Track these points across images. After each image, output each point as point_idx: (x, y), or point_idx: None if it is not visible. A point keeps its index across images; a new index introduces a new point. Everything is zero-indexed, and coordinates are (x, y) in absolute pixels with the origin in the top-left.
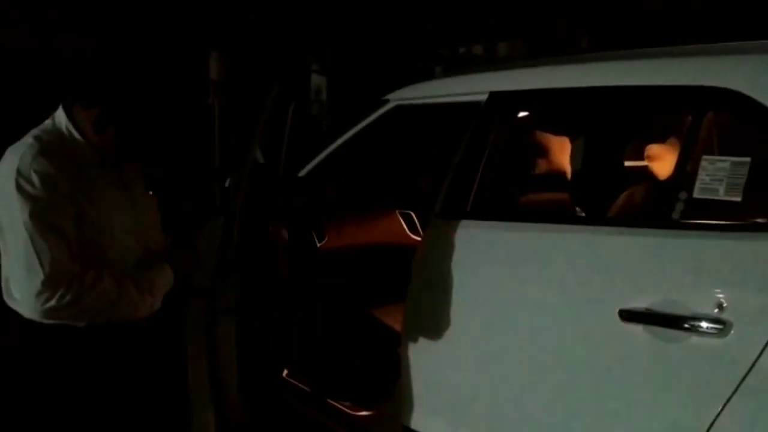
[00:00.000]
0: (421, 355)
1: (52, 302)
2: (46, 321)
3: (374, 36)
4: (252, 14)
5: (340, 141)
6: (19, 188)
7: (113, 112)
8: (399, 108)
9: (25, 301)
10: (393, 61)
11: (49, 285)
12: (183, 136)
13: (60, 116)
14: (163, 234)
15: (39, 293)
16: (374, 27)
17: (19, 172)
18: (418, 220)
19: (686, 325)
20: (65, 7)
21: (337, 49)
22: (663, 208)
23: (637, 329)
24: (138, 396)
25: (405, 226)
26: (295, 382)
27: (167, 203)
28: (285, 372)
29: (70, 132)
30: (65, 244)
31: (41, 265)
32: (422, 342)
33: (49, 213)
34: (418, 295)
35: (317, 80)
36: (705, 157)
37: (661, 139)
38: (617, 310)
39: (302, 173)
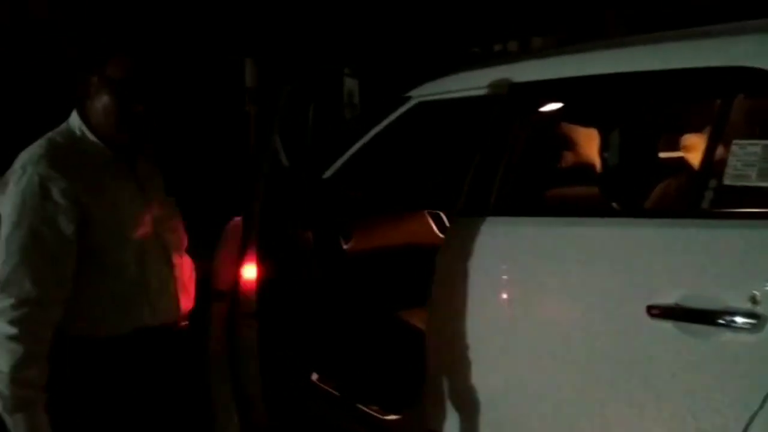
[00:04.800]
0: (444, 356)
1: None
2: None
3: (406, 37)
4: (286, 21)
5: (363, 141)
6: (17, 188)
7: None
8: (421, 104)
9: None
10: (426, 62)
11: (1, 291)
12: (219, 142)
13: (73, 118)
14: (185, 238)
15: None
16: (406, 28)
17: (22, 171)
18: (448, 221)
19: (719, 321)
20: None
21: (369, 51)
22: (691, 197)
23: (666, 326)
24: (161, 401)
25: (434, 227)
26: (325, 387)
27: (190, 207)
28: (315, 377)
29: (83, 132)
30: (42, 257)
31: (2, 269)
32: (445, 343)
33: (37, 219)
34: (441, 295)
35: (350, 84)
36: (735, 141)
37: (693, 128)
38: (645, 306)
39: (327, 175)
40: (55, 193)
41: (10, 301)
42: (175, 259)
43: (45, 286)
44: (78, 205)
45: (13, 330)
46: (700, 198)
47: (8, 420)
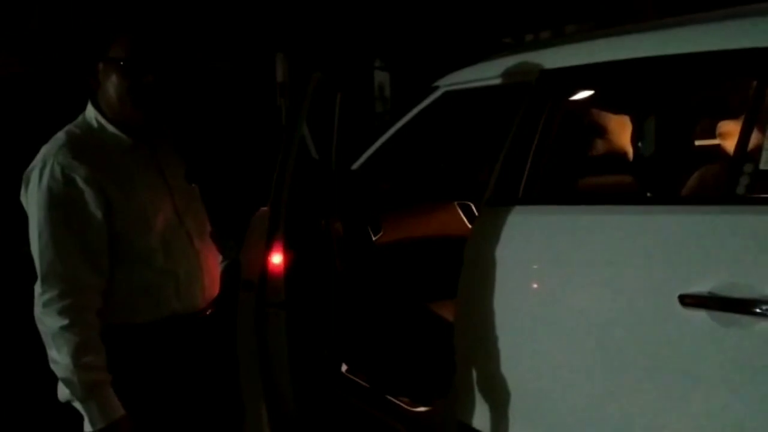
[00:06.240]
0: (473, 347)
1: (44, 299)
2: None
3: (437, 30)
4: (316, 16)
5: (391, 131)
6: (40, 181)
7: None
8: (449, 94)
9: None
10: (456, 54)
11: (42, 284)
12: (251, 135)
13: (89, 110)
14: (208, 225)
15: (39, 294)
16: (437, 20)
17: (43, 164)
18: (477, 211)
19: (755, 310)
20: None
21: (399, 44)
22: (726, 183)
23: (700, 315)
24: (193, 388)
25: (464, 218)
26: (354, 378)
27: (213, 197)
28: (345, 368)
29: (100, 123)
30: (76, 245)
31: (41, 262)
32: (475, 334)
33: (65, 208)
34: (470, 285)
35: (380, 77)
36: None
37: (729, 113)
38: (677, 295)
39: (355, 166)
40: (79, 181)
41: (54, 293)
42: (199, 246)
43: (84, 273)
44: (102, 193)
45: (64, 320)
46: (736, 184)
47: (80, 407)
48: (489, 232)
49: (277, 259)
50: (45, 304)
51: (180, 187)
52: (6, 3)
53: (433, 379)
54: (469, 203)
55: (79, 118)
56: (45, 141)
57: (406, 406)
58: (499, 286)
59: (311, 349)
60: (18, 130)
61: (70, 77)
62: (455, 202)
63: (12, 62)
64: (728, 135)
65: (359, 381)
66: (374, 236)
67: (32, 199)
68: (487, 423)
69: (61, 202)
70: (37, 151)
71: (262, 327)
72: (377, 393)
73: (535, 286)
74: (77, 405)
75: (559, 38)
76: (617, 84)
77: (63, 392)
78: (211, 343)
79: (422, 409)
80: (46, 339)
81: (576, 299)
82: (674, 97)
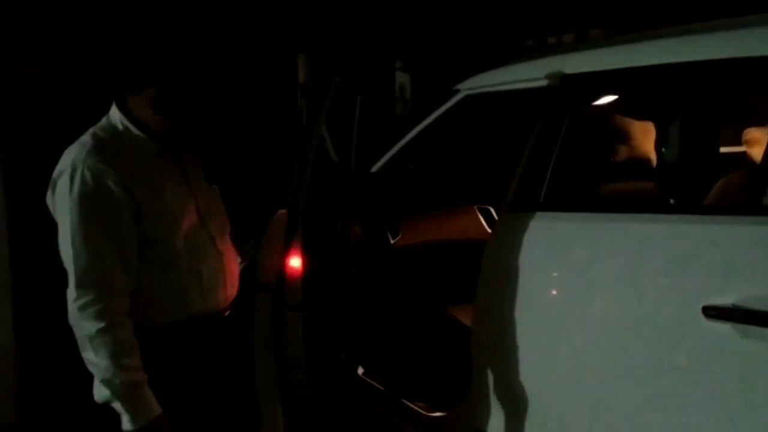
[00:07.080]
0: (490, 354)
1: (80, 303)
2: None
3: (459, 31)
4: (338, 16)
5: (411, 134)
6: (71, 186)
7: (168, 89)
8: (470, 97)
9: (68, 305)
10: (479, 56)
11: (77, 288)
12: (272, 136)
13: (114, 113)
14: (228, 226)
15: (74, 298)
16: (459, 22)
17: (73, 168)
18: (497, 215)
19: None
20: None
21: (420, 45)
22: (752, 193)
23: (723, 327)
24: (212, 388)
25: (484, 222)
26: (370, 381)
27: (231, 198)
28: (360, 371)
29: (125, 126)
30: (109, 248)
31: (75, 267)
32: (492, 340)
33: (97, 212)
34: (488, 291)
35: (401, 78)
36: None
37: (755, 121)
38: (701, 307)
39: (375, 168)
40: (111, 185)
41: (89, 296)
42: (221, 247)
43: (117, 276)
44: (132, 196)
45: (101, 323)
46: (762, 194)
47: (120, 407)
48: (509, 237)
49: (294, 261)
50: (81, 308)
51: (202, 189)
52: (13, 4)
53: (450, 384)
54: (489, 207)
55: (103, 121)
56: (58, 140)
57: (421, 411)
58: (518, 292)
59: (327, 351)
60: (32, 130)
61: (85, 79)
62: (475, 206)
63: (22, 63)
64: (755, 142)
65: (375, 384)
66: (393, 239)
67: (62, 204)
68: (503, 430)
69: (94, 207)
70: (50, 150)
71: (279, 329)
72: (393, 397)
73: (554, 293)
74: (116, 405)
75: (582, 43)
76: (641, 90)
77: (102, 393)
78: (229, 344)
79: (438, 414)
80: (83, 342)
81: (595, 308)
82: (699, 104)
